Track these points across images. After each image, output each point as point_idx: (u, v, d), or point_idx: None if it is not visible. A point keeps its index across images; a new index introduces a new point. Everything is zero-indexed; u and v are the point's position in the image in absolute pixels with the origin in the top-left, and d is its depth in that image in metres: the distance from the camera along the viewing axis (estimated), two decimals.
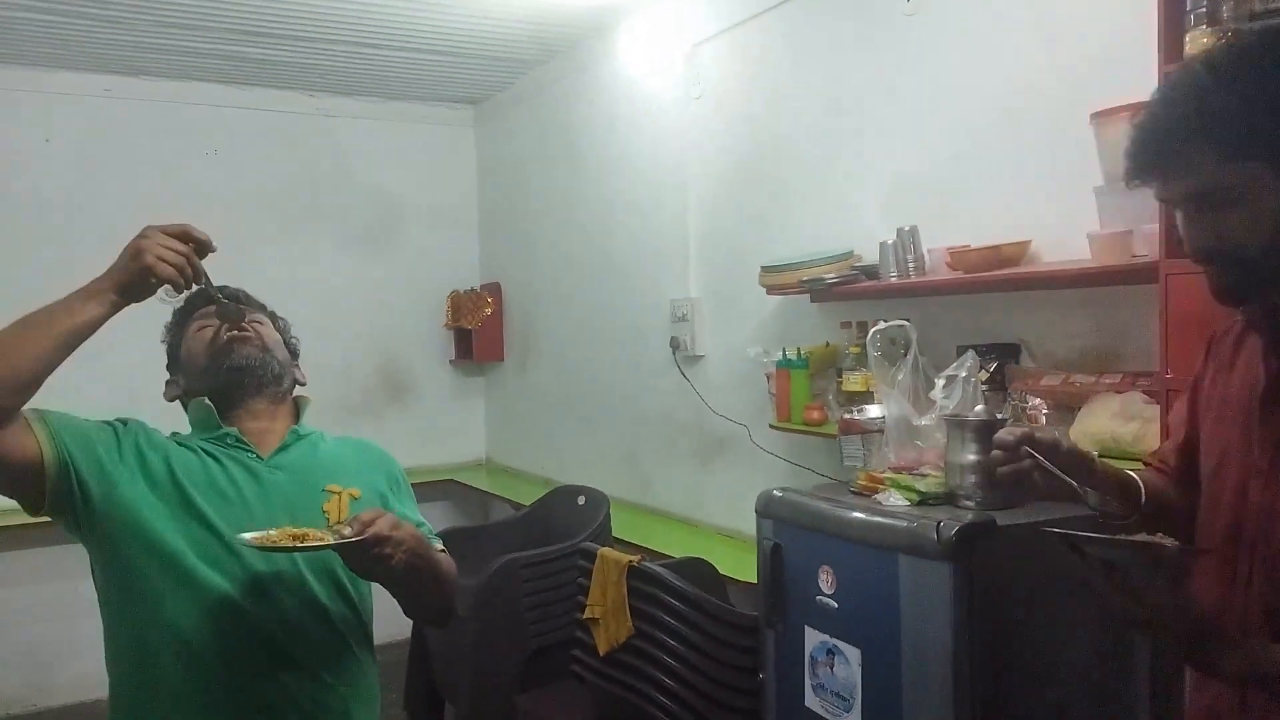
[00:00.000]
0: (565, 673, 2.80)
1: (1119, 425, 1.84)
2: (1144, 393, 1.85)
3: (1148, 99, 1.06)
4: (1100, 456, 1.85)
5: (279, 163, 4.56)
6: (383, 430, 4.41)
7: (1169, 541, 1.05)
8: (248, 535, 1.30)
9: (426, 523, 1.61)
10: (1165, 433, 1.37)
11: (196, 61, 4.07)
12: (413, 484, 1.66)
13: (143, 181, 4.23)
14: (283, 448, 1.49)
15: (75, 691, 3.99)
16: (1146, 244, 1.78)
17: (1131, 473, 1.28)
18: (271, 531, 1.31)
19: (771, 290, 2.71)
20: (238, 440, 1.46)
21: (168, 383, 1.57)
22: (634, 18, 3.53)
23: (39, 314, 1.24)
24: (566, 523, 3.34)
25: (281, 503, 1.43)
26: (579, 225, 4.08)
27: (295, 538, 1.29)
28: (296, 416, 1.55)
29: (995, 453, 1.21)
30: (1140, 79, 1.71)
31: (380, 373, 4.82)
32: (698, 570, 2.49)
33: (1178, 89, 1.02)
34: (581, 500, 3.38)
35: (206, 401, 1.47)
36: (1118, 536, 1.09)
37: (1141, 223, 1.79)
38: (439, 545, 1.56)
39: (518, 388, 4.70)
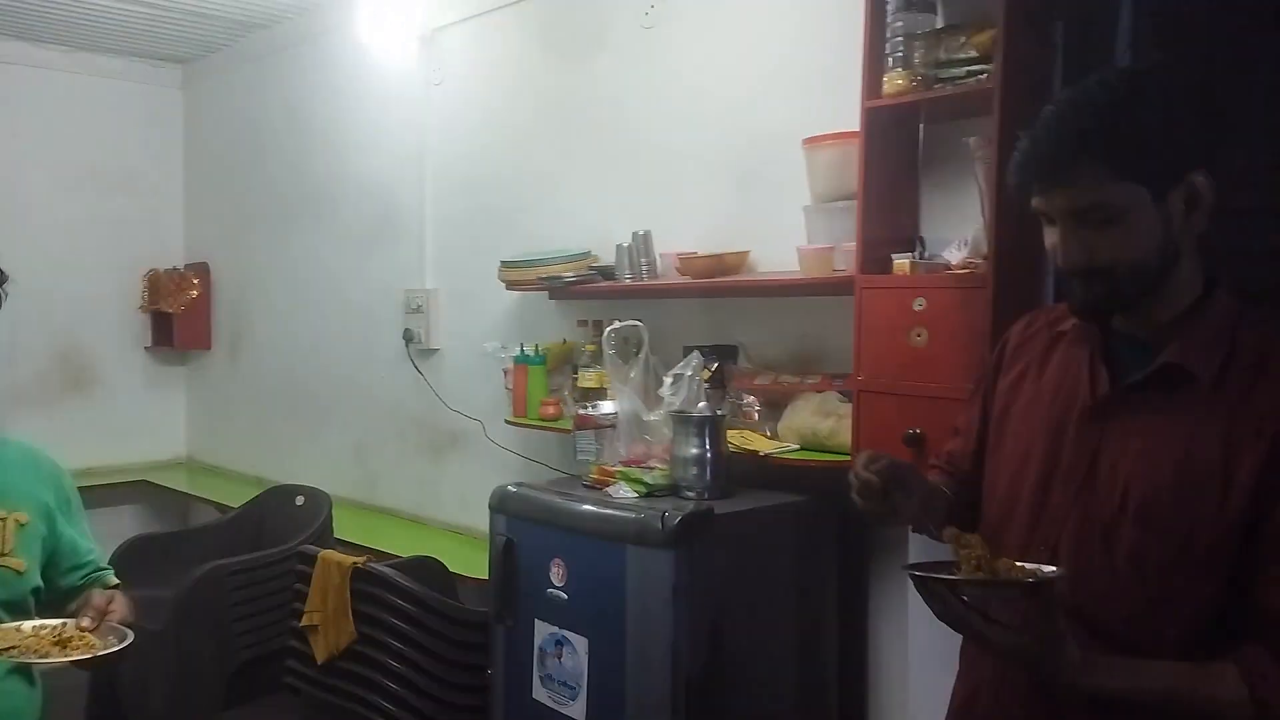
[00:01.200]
0: (276, 685, 2.61)
1: (818, 421, 2.04)
2: (839, 392, 2.06)
3: (1040, 113, 1.07)
4: (801, 449, 2.07)
5: None
6: (60, 423, 3.85)
7: (1026, 577, 1.04)
8: None
9: (96, 548, 1.47)
10: (954, 433, 1.40)
11: None
12: (98, 485, 1.50)
13: None
14: None
15: None
16: (846, 260, 1.98)
17: (940, 486, 1.31)
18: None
19: (511, 286, 2.71)
20: None
21: None
22: None
23: None
24: (282, 525, 3.12)
25: None
26: (304, 207, 3.82)
27: (55, 641, 1.17)
28: None
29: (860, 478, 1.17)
30: (845, 112, 1.92)
31: (59, 357, 4.21)
32: (427, 569, 2.43)
33: (1075, 106, 1.05)
34: (300, 500, 3.17)
35: None
36: (977, 575, 1.06)
37: (842, 240, 1.99)
38: (112, 579, 1.45)
39: (227, 379, 4.31)
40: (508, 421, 2.73)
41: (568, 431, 2.50)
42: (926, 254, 1.87)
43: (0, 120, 4.02)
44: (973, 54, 1.71)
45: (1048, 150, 1.06)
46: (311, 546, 2.27)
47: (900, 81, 1.79)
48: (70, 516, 1.41)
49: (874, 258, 1.86)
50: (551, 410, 2.59)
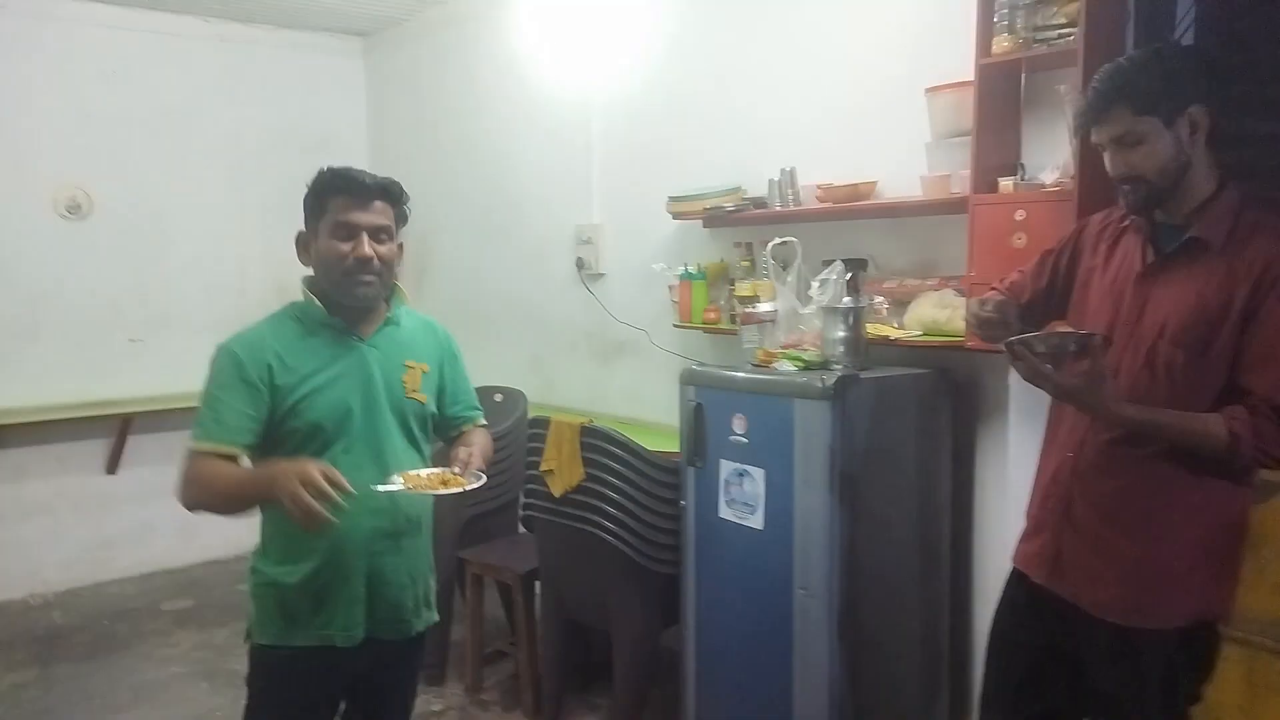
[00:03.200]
0: (494, 534, 3.39)
1: (938, 312, 2.61)
2: (954, 290, 2.62)
3: (1094, 76, 1.65)
4: (924, 334, 2.64)
5: (173, 86, 4.66)
6: None
7: (1085, 331, 1.64)
8: (398, 479, 1.72)
9: (472, 390, 2.08)
10: (1018, 272, 2.02)
11: None
12: None
13: (38, 100, 4.26)
14: (378, 330, 1.87)
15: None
16: (960, 184, 2.53)
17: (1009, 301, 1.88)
18: (409, 474, 1.76)
19: (677, 216, 3.33)
20: (344, 328, 1.82)
21: (301, 238, 1.86)
22: None
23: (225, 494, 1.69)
24: (487, 417, 3.85)
25: (376, 372, 1.83)
26: (482, 154, 4.49)
27: (441, 481, 1.75)
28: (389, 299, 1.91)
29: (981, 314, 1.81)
30: (960, 67, 2.45)
31: (275, 293, 5.05)
32: None
33: (1110, 71, 1.62)
34: (498, 398, 3.90)
35: (319, 305, 1.81)
36: (1046, 333, 1.67)
37: (958, 169, 2.53)
38: (481, 418, 2.06)
39: (413, 307, 5.07)
40: (675, 326, 3.38)
41: (724, 333, 3.14)
42: (1026, 176, 2.41)
43: (226, 91, 4.82)
44: (1062, 21, 2.22)
45: (1095, 101, 1.65)
46: (542, 415, 2.98)
47: (1006, 43, 2.32)
48: (454, 368, 2.02)
49: (984, 181, 2.40)
50: (713, 315, 3.22)
